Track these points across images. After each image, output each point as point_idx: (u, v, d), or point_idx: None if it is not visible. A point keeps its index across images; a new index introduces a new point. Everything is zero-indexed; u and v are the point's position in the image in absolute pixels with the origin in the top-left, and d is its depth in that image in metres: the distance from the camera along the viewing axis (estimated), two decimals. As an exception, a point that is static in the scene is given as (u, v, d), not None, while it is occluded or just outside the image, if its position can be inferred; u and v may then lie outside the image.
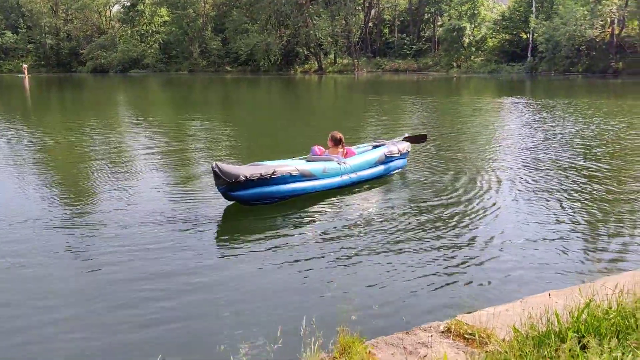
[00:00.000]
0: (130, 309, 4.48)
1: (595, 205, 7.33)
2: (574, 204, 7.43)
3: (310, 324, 3.47)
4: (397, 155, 9.20)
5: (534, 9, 49.55)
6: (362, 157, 8.66)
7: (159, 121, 19.02)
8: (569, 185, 8.48)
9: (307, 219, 6.95)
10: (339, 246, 5.83)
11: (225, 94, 33.91)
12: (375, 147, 9.32)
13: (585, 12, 43.57)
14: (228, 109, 24.12)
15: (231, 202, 7.41)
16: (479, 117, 19.16)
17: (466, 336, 3.41)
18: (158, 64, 62.83)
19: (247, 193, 7.24)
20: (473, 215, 6.89)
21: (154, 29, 64.81)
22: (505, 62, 50.63)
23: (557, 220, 6.71)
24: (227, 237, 6.40)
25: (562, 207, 7.26)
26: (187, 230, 6.42)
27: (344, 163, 8.25)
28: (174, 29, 63.18)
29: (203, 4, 63.29)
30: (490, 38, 54.70)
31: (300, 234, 6.34)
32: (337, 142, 8.69)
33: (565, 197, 7.74)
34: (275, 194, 7.47)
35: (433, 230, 6.32)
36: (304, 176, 7.70)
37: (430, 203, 7.49)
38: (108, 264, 5.39)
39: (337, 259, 5.47)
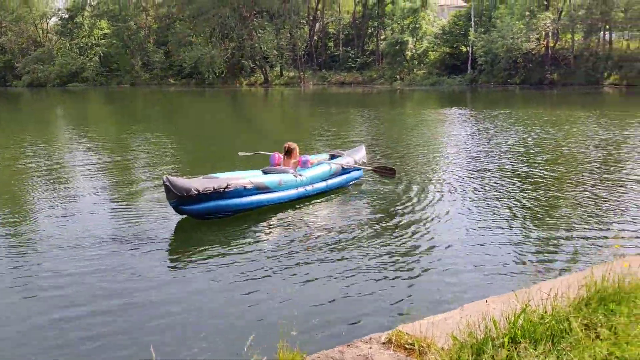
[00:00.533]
0: (66, 331, 4.26)
1: (534, 212, 7.56)
2: (515, 210, 7.63)
3: (251, 341, 3.37)
4: (354, 166, 9.17)
5: (472, 23, 51.11)
6: (319, 169, 8.56)
7: (100, 136, 18.46)
8: (510, 193, 8.71)
9: (257, 234, 6.86)
10: (284, 261, 5.77)
11: (169, 107, 33.29)
12: (332, 157, 9.27)
13: (521, 26, 45.30)
14: (172, 122, 23.69)
15: (183, 217, 7.21)
16: (425, 128, 19.51)
17: (407, 346, 3.39)
18: (98, 78, 61.02)
19: (200, 207, 7.07)
20: (419, 226, 6.97)
21: (94, 42, 62.99)
22: (447, 75, 51.92)
23: (498, 227, 6.88)
24: (169, 254, 6.21)
25: (504, 214, 7.46)
26: (131, 247, 6.22)
27: (300, 175, 8.16)
28: (114, 41, 61.60)
29: (145, 17, 62.18)
30: (432, 51, 55.98)
31: (248, 249, 6.22)
32: (287, 153, 8.60)
33: (507, 205, 7.95)
34: (229, 207, 7.32)
35: (379, 241, 6.35)
36: (258, 189, 7.58)
37: (379, 214, 7.56)
38: (44, 288, 5.11)
39: (282, 273, 5.42)
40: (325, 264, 5.62)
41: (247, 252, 6.09)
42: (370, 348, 3.42)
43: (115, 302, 4.78)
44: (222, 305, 4.76)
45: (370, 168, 9.25)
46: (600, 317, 3.32)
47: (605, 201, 8.13)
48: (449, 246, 6.16)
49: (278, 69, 58.48)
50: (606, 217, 7.35)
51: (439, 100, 35.75)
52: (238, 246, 6.28)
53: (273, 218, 7.38)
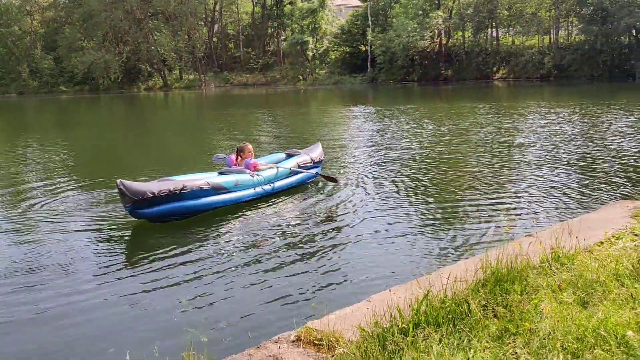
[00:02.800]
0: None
1: (435, 201, 7.87)
2: (418, 200, 7.94)
3: (156, 352, 3.24)
4: (311, 164, 9.14)
5: (370, 22, 52.48)
6: (276, 168, 8.54)
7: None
8: (414, 184, 9.03)
9: (180, 240, 6.53)
10: (197, 267, 5.60)
11: (61, 116, 31.43)
12: (289, 156, 9.23)
13: (415, 25, 47.09)
14: (66, 131, 22.30)
15: (135, 219, 6.98)
16: (330, 125, 19.77)
17: (316, 342, 3.37)
18: (-21, 88, 56.64)
19: (156, 210, 6.91)
20: (329, 225, 7.01)
21: (-26, 49, 58.44)
22: (348, 74, 53.05)
23: (402, 218, 7.10)
24: (85, 265, 5.83)
25: (407, 205, 7.72)
26: (48, 264, 5.79)
27: (257, 175, 8.11)
28: (-3, 48, 57.45)
29: (30, 21, 58.44)
30: (332, 51, 57.01)
31: (154, 258, 5.95)
32: (239, 153, 8.57)
33: (409, 196, 8.25)
34: (185, 209, 7.20)
35: (289, 242, 6.31)
36: (215, 190, 7.50)
37: (292, 216, 7.53)
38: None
39: (193, 280, 5.25)
40: (233, 269, 5.51)
41: (152, 260, 5.83)
42: (280, 347, 3.38)
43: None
44: (124, 316, 4.55)
45: (320, 174, 9.12)
46: (497, 296, 3.48)
47: (498, 187, 8.62)
48: (357, 241, 6.23)
49: (177, 72, 57.09)
50: (498, 201, 7.76)
51: (341, 98, 36.37)
52: (152, 254, 6.02)
53: (195, 226, 7.13)
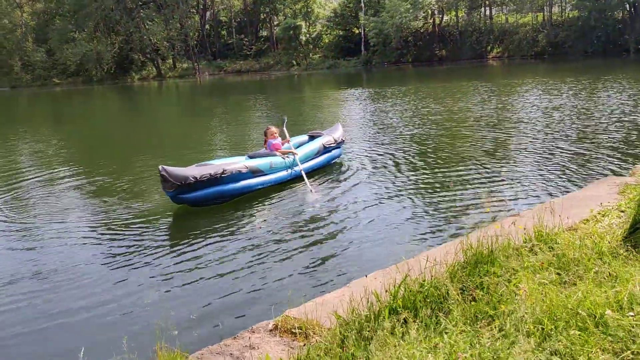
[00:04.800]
0: None
1: (420, 184, 7.82)
2: (402, 184, 7.89)
3: (126, 347, 3.18)
4: (334, 144, 9.19)
5: (362, 4, 52.00)
6: (304, 150, 8.60)
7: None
8: (400, 167, 8.96)
9: (150, 234, 6.47)
10: (171, 259, 5.55)
11: (55, 108, 31.24)
12: (311, 137, 9.30)
13: (408, 5, 46.67)
14: (61, 124, 22.17)
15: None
16: (327, 109, 19.65)
17: (293, 331, 3.34)
18: (-28, 83, 56.26)
19: (198, 194, 7.04)
20: (311, 210, 6.98)
21: (-35, 44, 57.90)
22: (342, 57, 52.69)
23: (385, 202, 7.06)
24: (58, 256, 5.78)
25: (391, 189, 7.66)
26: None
27: (287, 157, 8.21)
28: (-12, 42, 56.92)
29: (20, 13, 57.85)
30: (326, 35, 56.58)
31: (143, 250, 5.90)
32: (265, 135, 8.66)
33: (393, 179, 8.22)
34: (226, 193, 7.32)
35: (269, 230, 6.27)
36: (253, 173, 7.62)
37: (280, 203, 7.43)
38: None
39: (166, 272, 5.19)
40: (210, 260, 5.43)
41: (123, 254, 5.76)
42: (256, 337, 3.34)
43: None
44: (95, 309, 4.50)
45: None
46: (475, 278, 3.43)
47: (487, 166, 8.55)
48: (339, 227, 6.17)
49: (170, 61, 56.68)
50: (487, 181, 7.71)
51: (336, 82, 36.14)
52: (141, 246, 5.98)
53: (182, 218, 7.07)
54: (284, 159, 8.16)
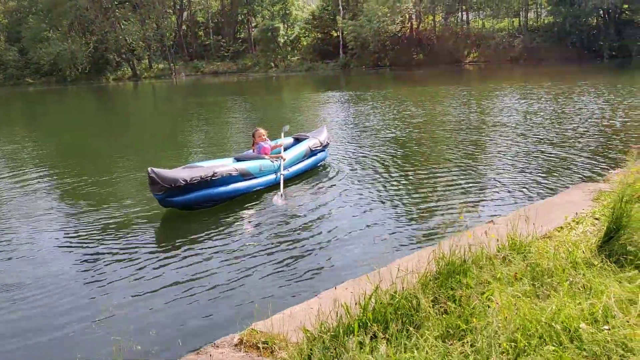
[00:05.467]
0: None
1: (395, 191, 7.68)
2: (376, 190, 7.73)
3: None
4: (320, 147, 9.08)
5: (340, 8, 52.02)
6: (291, 153, 8.49)
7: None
8: (378, 171, 8.85)
9: (107, 243, 6.27)
10: (131, 269, 5.29)
11: (28, 109, 30.45)
12: (297, 140, 9.21)
13: (386, 10, 46.81)
14: (35, 125, 21.52)
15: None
16: (305, 112, 19.49)
17: (259, 345, 3.19)
18: (-59, 81, 54.74)
19: (187, 198, 6.85)
20: (282, 217, 6.79)
21: None
22: (320, 60, 52.61)
23: (357, 208, 6.88)
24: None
25: (365, 195, 7.49)
26: None
27: (276, 160, 8.09)
28: (-42, 40, 55.57)
29: (-8, 12, 56.71)
30: (304, 37, 56.47)
31: (90, 258, 5.69)
32: (253, 136, 8.55)
33: (368, 185, 8.06)
34: (216, 196, 7.15)
35: (237, 238, 6.05)
36: (243, 176, 7.48)
37: (251, 210, 7.23)
38: None
39: (125, 285, 4.95)
40: (173, 270, 5.21)
41: (98, 262, 5.56)
42: (221, 352, 3.18)
43: None
44: (58, 324, 4.27)
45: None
46: (448, 290, 3.33)
47: (460, 172, 8.47)
48: (309, 234, 5.99)
49: (146, 61, 55.97)
50: (460, 187, 7.62)
51: (315, 85, 36.01)
52: (110, 256, 5.73)
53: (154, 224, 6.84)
54: (272, 162, 8.05)
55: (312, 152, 8.95)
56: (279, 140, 9.07)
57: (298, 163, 8.62)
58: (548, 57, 42.50)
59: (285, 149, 8.63)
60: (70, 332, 4.12)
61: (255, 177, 7.73)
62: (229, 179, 7.29)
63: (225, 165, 7.46)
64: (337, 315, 3.13)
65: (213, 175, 7.04)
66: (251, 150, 8.58)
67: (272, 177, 7.98)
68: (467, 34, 49.02)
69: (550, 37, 43.58)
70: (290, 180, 8.33)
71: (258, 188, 7.77)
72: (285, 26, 54.29)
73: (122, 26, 52.15)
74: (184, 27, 59.01)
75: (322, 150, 9.35)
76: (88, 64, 51.90)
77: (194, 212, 7.10)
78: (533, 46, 44.07)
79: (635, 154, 5.74)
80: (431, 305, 3.16)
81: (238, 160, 8.01)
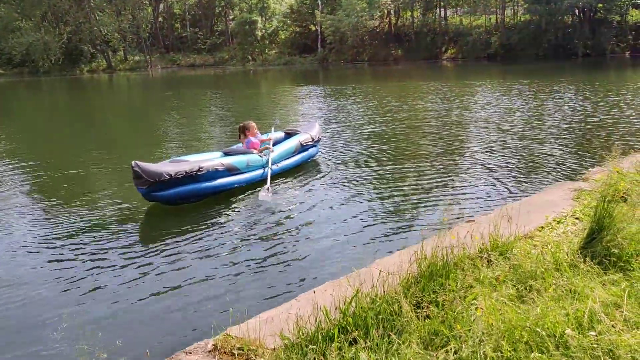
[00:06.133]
0: None
1: (374, 190, 7.55)
2: (356, 189, 7.57)
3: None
4: (311, 143, 8.94)
5: (319, 2, 51.81)
6: (281, 148, 8.33)
7: None
8: (357, 169, 8.74)
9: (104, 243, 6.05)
10: (111, 270, 5.10)
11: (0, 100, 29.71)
12: (287, 135, 9.06)
13: (365, 5, 46.76)
14: (6, 117, 20.95)
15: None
16: (286, 106, 19.30)
17: (234, 352, 3.05)
18: None
19: (171, 192, 6.70)
20: (260, 218, 6.61)
21: None
22: (298, 54, 52.37)
23: (336, 208, 6.71)
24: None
25: (343, 194, 7.32)
26: None
27: (265, 155, 7.93)
28: None
29: (-39, 0, 55.08)
30: (282, 31, 56.16)
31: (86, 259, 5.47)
32: (243, 132, 8.35)
33: (350, 183, 7.92)
34: (201, 191, 6.99)
35: (213, 238, 5.84)
36: (229, 171, 7.31)
37: (227, 211, 7.01)
38: None
39: (93, 287, 4.77)
40: (145, 272, 4.99)
41: (65, 263, 5.34)
42: (193, 359, 3.04)
43: None
44: (22, 330, 4.06)
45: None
46: (430, 293, 3.23)
47: (439, 170, 8.40)
48: (289, 235, 5.81)
49: (121, 53, 55.06)
50: (440, 186, 7.54)
51: (292, 79, 35.82)
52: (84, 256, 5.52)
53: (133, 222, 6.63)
54: (261, 156, 7.90)
55: (302, 147, 8.79)
56: (268, 134, 8.89)
57: (288, 158, 8.47)
58: (524, 55, 42.91)
59: (275, 144, 8.45)
60: (29, 339, 3.90)
61: (242, 172, 7.58)
62: (214, 173, 7.15)
63: (211, 159, 7.31)
64: (316, 320, 3.01)
65: (199, 170, 6.91)
66: (240, 145, 8.41)
67: (260, 172, 7.82)
68: (445, 30, 49.25)
69: (527, 34, 44.00)
70: (279, 176, 8.17)
71: (245, 183, 7.63)
72: (263, 19, 53.92)
73: (97, 17, 51.22)
74: (160, 18, 58.20)
75: (314, 146, 9.22)
76: (62, 55, 50.82)
77: (177, 207, 6.92)
78: (509, 43, 44.45)
79: (616, 153, 5.71)
80: (413, 310, 3.05)
81: (226, 154, 7.87)
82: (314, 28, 53.53)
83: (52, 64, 50.94)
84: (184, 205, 7.00)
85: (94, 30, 51.14)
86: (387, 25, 50.72)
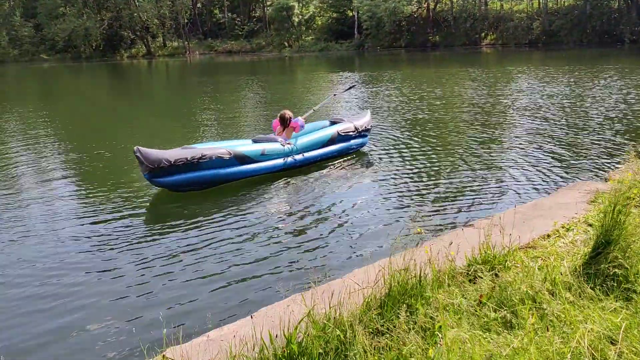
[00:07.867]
0: None
1: (344, 195, 7.08)
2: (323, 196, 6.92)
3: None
4: (353, 133, 8.54)
5: (357, -14, 50.87)
6: (311, 137, 8.06)
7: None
8: (367, 161, 8.30)
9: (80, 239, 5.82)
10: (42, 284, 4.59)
11: (43, 85, 30.06)
12: (332, 123, 8.73)
13: (403, -11, 45.71)
14: (49, 101, 20.97)
15: None
16: (322, 93, 18.88)
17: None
18: (-44, 56, 54.73)
19: (174, 179, 6.66)
20: (211, 226, 5.92)
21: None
22: (334, 40, 51.68)
23: (338, 208, 6.23)
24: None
25: (306, 201, 6.63)
26: None
27: (289, 144, 7.69)
28: (-27, 15, 55.50)
29: (8, -14, 56.50)
30: (319, 17, 55.52)
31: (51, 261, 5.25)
32: (283, 123, 8.05)
33: (344, 178, 7.53)
34: (204, 179, 6.87)
35: (187, 237, 5.41)
36: (237, 159, 7.10)
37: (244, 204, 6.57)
38: None
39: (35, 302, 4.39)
40: (68, 283, 4.51)
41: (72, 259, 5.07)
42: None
43: None
44: None
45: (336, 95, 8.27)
46: (394, 318, 2.80)
47: (451, 168, 7.68)
48: (248, 243, 5.22)
49: (160, 39, 55.55)
50: (446, 185, 6.91)
51: (329, 65, 35.20)
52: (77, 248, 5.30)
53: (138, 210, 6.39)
54: (282, 145, 7.59)
55: (341, 137, 8.35)
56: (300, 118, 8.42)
57: (320, 148, 8.10)
58: (567, 41, 41.17)
59: (308, 133, 8.21)
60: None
61: (254, 162, 7.29)
62: (219, 162, 6.92)
63: (217, 148, 7.09)
64: (259, 348, 2.64)
65: (201, 158, 6.75)
66: (273, 134, 8.10)
67: (278, 162, 7.52)
68: (485, 15, 47.62)
69: (570, 20, 42.12)
70: (313, 166, 7.94)
71: (259, 173, 7.34)
72: (300, 5, 53.38)
73: (137, 3, 51.68)
74: (199, 4, 58.32)
75: (361, 136, 8.75)
76: (102, 41, 51.65)
77: (173, 195, 6.79)
78: (552, 29, 42.68)
79: (633, 153, 5.10)
80: (369, 339, 2.65)
81: (255, 142, 7.67)
82: (351, 14, 52.67)
83: (93, 50, 51.83)
84: (193, 192, 6.86)
85: (134, 16, 51.70)
86: (425, 10, 49.43)
